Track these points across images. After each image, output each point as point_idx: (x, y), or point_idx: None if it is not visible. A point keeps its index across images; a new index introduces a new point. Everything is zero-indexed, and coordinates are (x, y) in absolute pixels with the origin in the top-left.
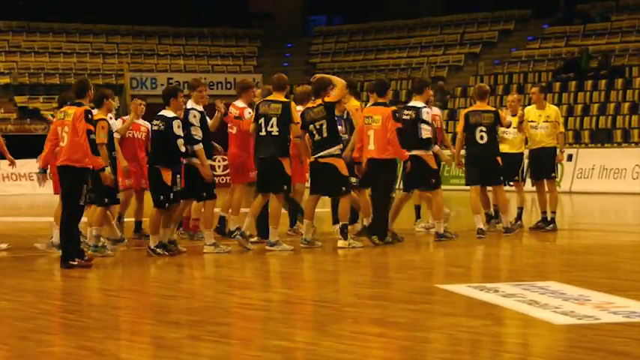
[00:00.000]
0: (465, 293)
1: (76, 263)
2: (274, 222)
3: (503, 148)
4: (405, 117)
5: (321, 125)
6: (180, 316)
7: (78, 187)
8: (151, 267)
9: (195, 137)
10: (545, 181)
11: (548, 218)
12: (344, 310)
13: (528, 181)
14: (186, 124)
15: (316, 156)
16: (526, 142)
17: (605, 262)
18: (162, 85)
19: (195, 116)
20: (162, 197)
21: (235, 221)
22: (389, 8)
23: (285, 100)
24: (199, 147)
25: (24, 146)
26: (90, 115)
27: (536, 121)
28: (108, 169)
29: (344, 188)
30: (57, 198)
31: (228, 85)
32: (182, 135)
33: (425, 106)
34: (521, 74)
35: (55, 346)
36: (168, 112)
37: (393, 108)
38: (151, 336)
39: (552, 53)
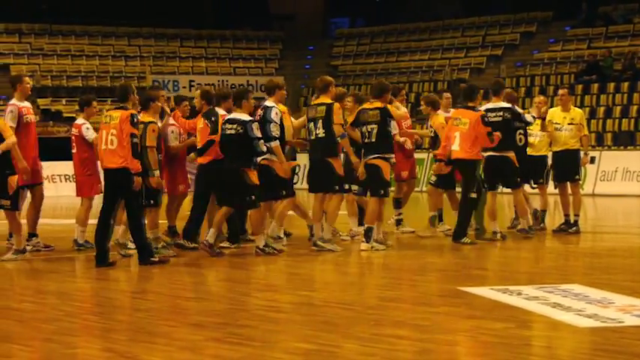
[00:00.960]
0: (488, 296)
1: (157, 260)
2: (331, 221)
3: (528, 150)
4: (495, 119)
5: (372, 129)
6: (203, 318)
7: (130, 188)
8: (174, 269)
9: (273, 134)
10: (568, 183)
11: (572, 221)
12: (366, 313)
13: (551, 183)
14: (265, 121)
15: (365, 160)
16: (550, 145)
17: (629, 265)
18: (185, 87)
19: (277, 114)
20: (251, 197)
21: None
22: (410, 10)
23: (330, 101)
24: (276, 144)
25: (46, 149)
26: (135, 119)
27: (561, 123)
28: (157, 172)
29: (382, 191)
30: (79, 200)
31: (250, 87)
32: (261, 136)
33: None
34: (543, 76)
35: (79, 348)
36: (242, 115)
37: (482, 112)
38: (173, 338)
39: (574, 55)
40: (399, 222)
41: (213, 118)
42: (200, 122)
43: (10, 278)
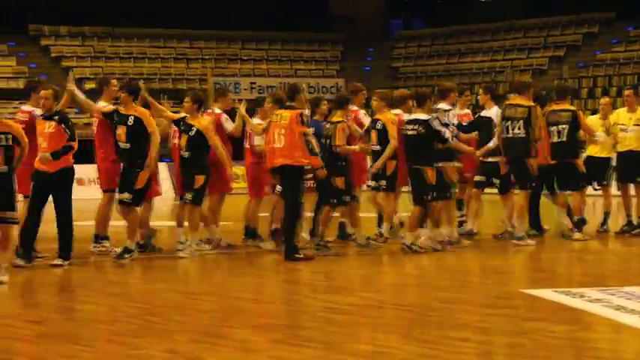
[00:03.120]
0: (550, 298)
1: (301, 256)
2: (521, 215)
3: (593, 150)
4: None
5: (563, 129)
6: (264, 319)
7: (297, 185)
8: (235, 270)
9: (447, 136)
10: (631, 184)
11: (635, 222)
12: (427, 315)
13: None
14: (443, 124)
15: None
16: (614, 147)
17: None
18: (246, 89)
19: (453, 116)
20: (426, 197)
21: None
22: (472, 11)
23: (531, 104)
24: (450, 144)
25: None
26: (303, 118)
27: (626, 124)
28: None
29: (582, 184)
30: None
31: (311, 90)
32: (443, 130)
33: None
34: (606, 77)
35: (141, 349)
36: (421, 115)
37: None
38: (235, 339)
39: (638, 56)
40: (461, 223)
41: (69, 123)
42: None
43: (73, 280)
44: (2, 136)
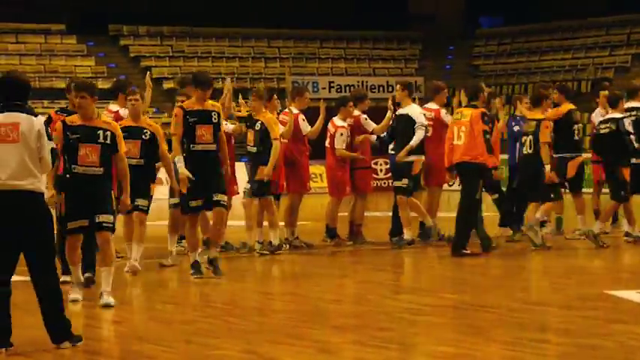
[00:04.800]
0: (636, 299)
1: (468, 252)
2: None
3: None
4: None
5: None
6: (344, 320)
7: (474, 182)
8: (314, 270)
9: None
10: None
11: None
12: (509, 316)
13: None
14: None
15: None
16: None
17: None
18: (324, 88)
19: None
20: (622, 192)
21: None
22: (553, 9)
23: None
24: None
25: None
26: (485, 117)
27: None
28: (548, 167)
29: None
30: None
31: (390, 89)
32: (632, 131)
33: None
34: None
35: (219, 349)
36: (615, 114)
37: None
38: (314, 340)
39: None
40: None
41: None
42: None
43: (152, 280)
44: (100, 132)
